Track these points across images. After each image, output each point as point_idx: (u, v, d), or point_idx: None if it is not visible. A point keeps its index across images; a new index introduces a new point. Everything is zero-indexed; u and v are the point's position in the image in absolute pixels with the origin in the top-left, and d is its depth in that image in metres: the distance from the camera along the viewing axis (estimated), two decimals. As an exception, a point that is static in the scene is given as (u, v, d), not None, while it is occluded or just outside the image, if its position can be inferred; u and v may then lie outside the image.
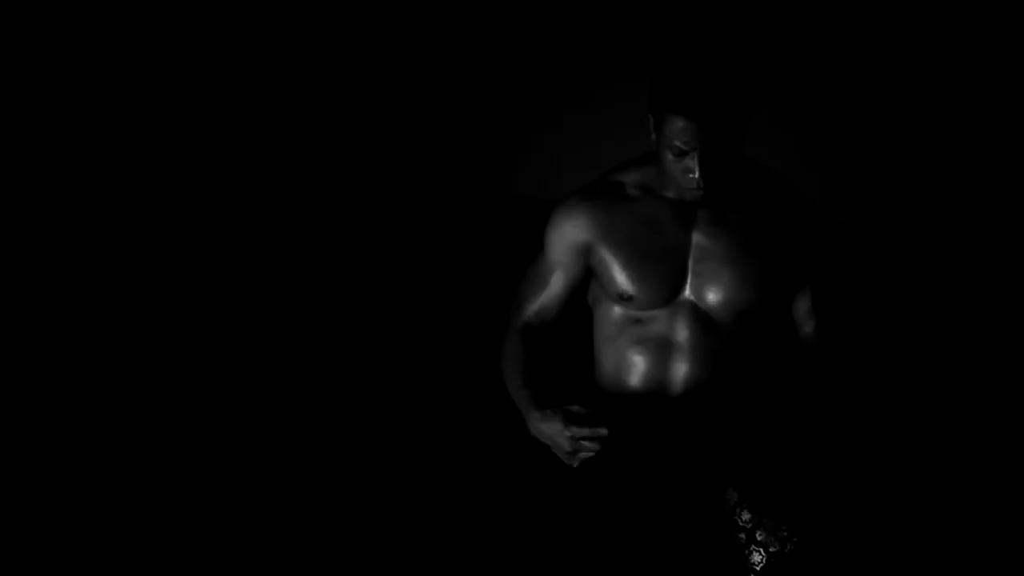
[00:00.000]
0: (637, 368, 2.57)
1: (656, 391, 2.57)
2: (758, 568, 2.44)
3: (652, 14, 3.90)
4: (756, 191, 2.56)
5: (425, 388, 3.57)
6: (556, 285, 2.63)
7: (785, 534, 2.45)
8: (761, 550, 2.45)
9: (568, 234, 2.59)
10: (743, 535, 2.46)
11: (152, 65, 3.87)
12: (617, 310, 2.59)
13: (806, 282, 2.57)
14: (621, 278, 2.55)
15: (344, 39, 3.96)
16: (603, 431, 2.44)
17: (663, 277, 2.54)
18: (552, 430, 2.49)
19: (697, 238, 2.54)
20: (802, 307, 2.58)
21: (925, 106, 3.87)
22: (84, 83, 3.82)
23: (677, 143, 2.40)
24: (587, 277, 2.63)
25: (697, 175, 2.42)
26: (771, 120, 3.90)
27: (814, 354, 2.58)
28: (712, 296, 2.54)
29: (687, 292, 2.55)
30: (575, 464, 2.50)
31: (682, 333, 2.55)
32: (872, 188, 3.93)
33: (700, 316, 2.55)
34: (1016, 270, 3.79)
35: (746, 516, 2.47)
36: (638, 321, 2.58)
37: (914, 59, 3.85)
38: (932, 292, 3.80)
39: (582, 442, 2.47)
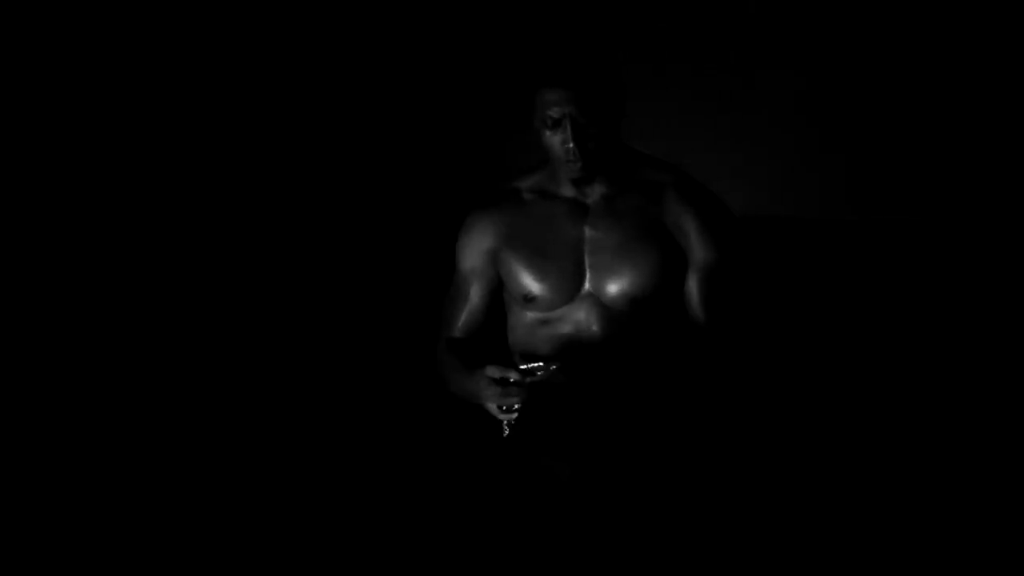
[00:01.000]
0: None
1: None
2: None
3: (652, 15, 3.91)
4: (646, 181, 2.63)
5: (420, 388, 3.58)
6: (475, 295, 2.72)
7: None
8: None
9: (475, 241, 2.69)
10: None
11: (141, 64, 3.87)
12: (527, 314, 2.67)
13: (695, 267, 2.60)
14: (524, 279, 2.64)
15: (340, 39, 3.97)
16: (513, 374, 2.49)
17: (562, 274, 2.62)
18: (475, 383, 2.54)
19: (589, 232, 2.62)
20: (692, 293, 2.61)
21: (926, 106, 3.87)
22: (71, 83, 3.81)
23: (550, 113, 2.51)
24: (500, 284, 2.71)
25: (572, 144, 2.50)
26: (771, 120, 3.91)
27: (698, 338, 2.61)
28: (609, 288, 2.61)
29: (587, 286, 2.62)
30: (503, 412, 2.54)
31: (588, 328, 2.62)
32: (872, 189, 3.93)
33: (603, 309, 2.61)
34: (1015, 270, 3.78)
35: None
36: (546, 322, 2.65)
37: (915, 59, 3.85)
38: (933, 292, 3.80)
39: (500, 390, 2.50)
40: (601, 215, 2.62)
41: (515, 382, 2.49)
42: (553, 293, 2.63)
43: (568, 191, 2.64)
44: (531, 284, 2.64)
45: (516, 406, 2.51)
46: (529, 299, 2.65)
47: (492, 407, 2.54)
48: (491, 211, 2.70)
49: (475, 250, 2.70)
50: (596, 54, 2.53)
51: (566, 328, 2.63)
